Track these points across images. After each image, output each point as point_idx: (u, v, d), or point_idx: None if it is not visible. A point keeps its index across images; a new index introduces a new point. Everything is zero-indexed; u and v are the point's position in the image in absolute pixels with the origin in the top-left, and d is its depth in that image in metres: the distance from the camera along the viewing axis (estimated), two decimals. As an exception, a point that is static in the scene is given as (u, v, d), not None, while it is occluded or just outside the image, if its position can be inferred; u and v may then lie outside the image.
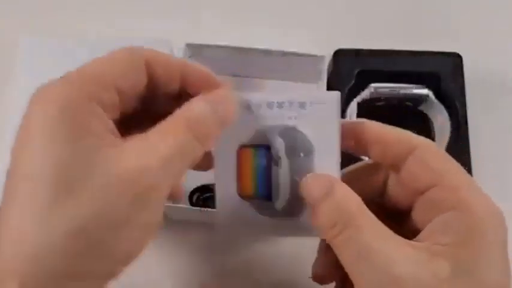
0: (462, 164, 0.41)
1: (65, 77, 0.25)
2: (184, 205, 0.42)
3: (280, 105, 0.29)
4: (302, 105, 0.29)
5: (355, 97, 0.44)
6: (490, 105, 0.49)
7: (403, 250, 0.23)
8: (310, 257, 0.31)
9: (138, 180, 0.22)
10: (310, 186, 0.26)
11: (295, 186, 0.29)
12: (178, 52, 0.45)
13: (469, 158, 0.42)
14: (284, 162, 0.30)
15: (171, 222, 0.44)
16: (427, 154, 0.26)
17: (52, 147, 0.22)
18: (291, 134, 0.29)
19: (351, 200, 0.25)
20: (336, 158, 0.28)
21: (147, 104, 0.27)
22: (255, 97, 0.29)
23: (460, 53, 0.45)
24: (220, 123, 0.25)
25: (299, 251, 0.43)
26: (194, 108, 0.25)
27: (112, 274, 0.23)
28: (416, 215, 0.27)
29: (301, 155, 0.29)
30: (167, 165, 0.23)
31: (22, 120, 0.24)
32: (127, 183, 0.22)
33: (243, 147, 0.30)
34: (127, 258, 0.23)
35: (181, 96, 0.27)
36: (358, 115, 0.43)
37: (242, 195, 0.30)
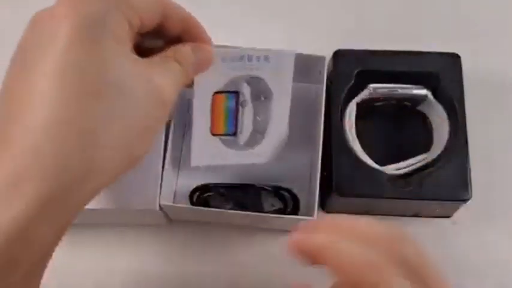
0: (460, 164, 0.42)
1: None
2: (185, 205, 0.42)
3: (249, 58, 0.37)
4: (266, 58, 0.37)
5: (354, 97, 0.44)
6: (489, 105, 0.49)
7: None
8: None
9: (154, 87, 0.28)
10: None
11: (256, 123, 0.39)
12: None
13: (468, 158, 0.42)
14: (249, 105, 0.38)
15: (171, 222, 0.44)
16: None
17: (76, 47, 0.25)
18: (255, 82, 0.38)
19: None
20: (288, 102, 0.38)
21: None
22: (229, 51, 0.36)
23: (459, 53, 0.45)
24: (198, 65, 0.33)
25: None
26: (181, 49, 0.31)
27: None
28: None
29: (262, 98, 0.38)
30: (177, 89, 0.30)
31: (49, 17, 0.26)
32: (142, 83, 0.27)
33: (217, 93, 0.37)
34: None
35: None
36: (357, 115, 0.43)
37: (214, 133, 0.38)
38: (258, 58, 0.37)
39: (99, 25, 0.25)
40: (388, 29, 0.51)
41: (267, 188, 0.43)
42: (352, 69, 0.44)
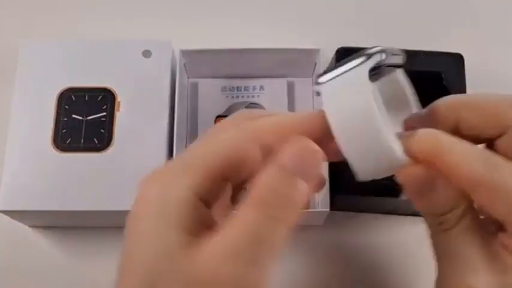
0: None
1: (176, 163, 0.24)
2: None
3: (246, 88, 0.45)
4: (262, 87, 0.45)
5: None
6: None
7: (486, 258, 0.23)
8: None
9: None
10: (412, 180, 0.24)
11: None
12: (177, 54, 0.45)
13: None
14: None
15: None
16: (486, 195, 0.22)
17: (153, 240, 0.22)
18: (254, 107, 0.44)
19: (453, 195, 0.24)
20: None
21: None
22: (228, 82, 0.39)
23: (462, 53, 0.45)
24: (301, 179, 0.21)
25: (300, 253, 0.43)
26: (261, 179, 0.21)
27: None
28: None
29: None
30: (239, 265, 0.20)
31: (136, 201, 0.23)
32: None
33: (219, 117, 0.43)
34: None
35: None
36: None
37: None
38: (254, 87, 0.45)
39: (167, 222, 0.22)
40: (391, 28, 0.51)
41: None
42: (355, 67, 0.44)
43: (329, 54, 0.45)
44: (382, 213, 0.45)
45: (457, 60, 0.44)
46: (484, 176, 0.22)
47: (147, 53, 0.44)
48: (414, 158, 0.23)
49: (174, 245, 0.21)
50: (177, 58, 0.44)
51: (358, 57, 0.24)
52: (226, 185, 0.24)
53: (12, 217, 0.41)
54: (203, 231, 0.22)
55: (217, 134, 0.24)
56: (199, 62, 0.45)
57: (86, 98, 0.42)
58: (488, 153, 0.23)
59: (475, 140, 0.25)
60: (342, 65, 0.24)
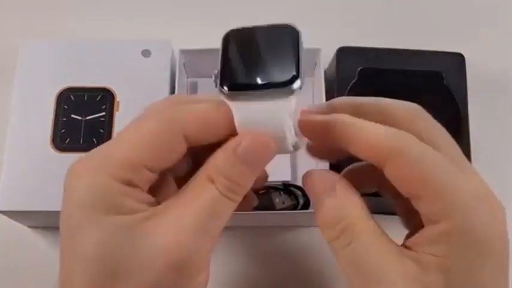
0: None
1: (95, 158, 0.24)
2: None
3: None
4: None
5: (357, 94, 0.44)
6: (492, 104, 0.49)
7: (397, 265, 0.22)
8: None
9: (174, 259, 0.22)
10: (313, 182, 0.25)
11: None
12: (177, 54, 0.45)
13: (470, 157, 0.42)
14: None
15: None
16: (404, 161, 0.23)
17: (90, 226, 0.23)
18: None
19: (352, 202, 0.24)
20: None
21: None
22: None
23: (463, 53, 0.45)
24: (249, 167, 0.24)
25: (299, 257, 0.43)
26: (213, 160, 0.24)
27: None
28: (410, 214, 0.25)
29: None
30: (199, 235, 0.23)
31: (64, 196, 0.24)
32: (161, 262, 0.22)
33: None
34: None
35: None
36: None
37: None
38: None
39: (100, 209, 0.23)
40: (392, 28, 0.51)
41: (276, 186, 0.43)
42: (356, 66, 0.44)
43: (330, 54, 0.45)
44: (381, 213, 0.44)
45: (457, 60, 0.44)
46: (404, 147, 0.23)
47: (146, 53, 0.43)
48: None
49: (118, 229, 0.23)
50: (177, 58, 0.44)
51: (278, 88, 0.23)
52: (155, 172, 0.25)
53: (11, 217, 0.41)
54: (142, 209, 0.23)
55: (143, 122, 0.24)
56: (199, 61, 0.45)
57: (85, 98, 0.42)
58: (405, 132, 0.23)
59: None
60: (256, 87, 0.23)
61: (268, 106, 0.23)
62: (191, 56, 0.44)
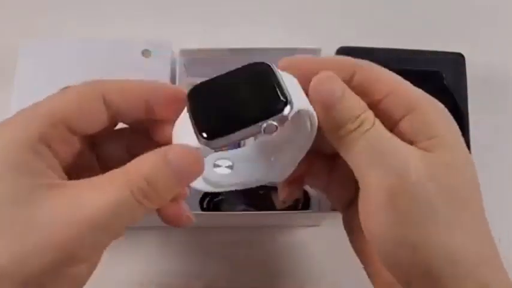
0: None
1: (18, 114, 0.24)
2: (197, 211, 0.42)
3: None
4: None
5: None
6: (492, 104, 0.49)
7: (407, 146, 0.25)
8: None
9: (60, 248, 0.21)
10: (326, 86, 0.25)
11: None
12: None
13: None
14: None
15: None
16: (369, 73, 0.27)
17: None
18: None
19: (361, 101, 0.26)
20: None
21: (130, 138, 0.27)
22: None
23: (463, 53, 0.45)
24: (175, 177, 0.23)
25: (299, 257, 0.43)
26: (140, 159, 0.23)
27: None
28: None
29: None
30: (93, 233, 0.22)
31: None
32: (47, 243, 0.21)
33: None
34: None
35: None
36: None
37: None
38: None
39: (7, 165, 0.22)
40: (391, 27, 0.51)
41: (277, 186, 0.43)
42: (355, 67, 0.44)
43: (329, 54, 0.45)
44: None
45: (457, 59, 0.44)
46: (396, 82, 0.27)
47: (147, 53, 0.44)
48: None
49: (17, 188, 0.22)
50: (177, 58, 0.44)
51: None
52: (76, 137, 0.25)
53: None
54: (48, 176, 0.23)
55: (66, 90, 0.25)
56: (199, 62, 0.45)
57: (86, 98, 0.42)
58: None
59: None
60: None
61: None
62: (191, 56, 0.44)
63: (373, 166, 0.24)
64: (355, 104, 0.25)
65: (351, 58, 0.28)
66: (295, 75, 0.26)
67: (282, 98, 0.23)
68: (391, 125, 0.26)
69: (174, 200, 0.26)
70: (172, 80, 0.43)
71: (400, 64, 0.44)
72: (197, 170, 0.24)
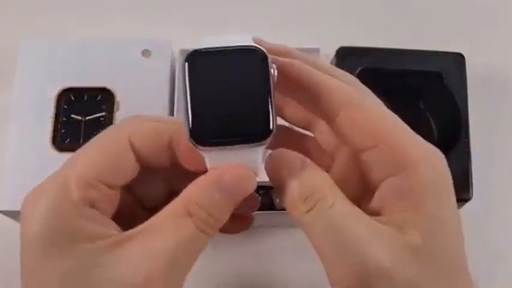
0: (462, 164, 0.42)
1: (49, 181, 0.24)
2: None
3: None
4: None
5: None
6: (492, 104, 0.49)
7: (374, 229, 0.22)
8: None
9: None
10: (278, 164, 0.23)
11: None
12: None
13: (469, 158, 0.42)
14: None
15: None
16: (356, 112, 0.23)
17: (50, 260, 0.22)
18: None
19: (322, 175, 0.23)
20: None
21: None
22: None
23: (463, 53, 0.45)
24: (230, 201, 0.23)
25: (299, 256, 0.43)
26: (192, 191, 0.23)
27: None
28: (363, 168, 0.25)
29: None
30: (171, 271, 0.22)
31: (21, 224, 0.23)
32: None
33: None
34: None
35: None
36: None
37: None
38: None
39: (60, 237, 0.22)
40: (390, 28, 0.51)
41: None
42: (355, 67, 0.44)
43: (330, 54, 0.45)
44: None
45: (457, 60, 0.44)
46: (357, 98, 0.23)
47: (146, 53, 0.44)
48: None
49: (79, 262, 0.22)
50: (177, 58, 0.44)
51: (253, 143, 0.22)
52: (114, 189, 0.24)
53: (12, 217, 0.41)
54: (105, 235, 0.22)
55: (93, 140, 0.24)
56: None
57: (85, 98, 0.42)
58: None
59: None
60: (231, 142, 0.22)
61: (241, 152, 0.22)
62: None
63: (333, 253, 0.22)
64: (308, 184, 0.23)
65: (342, 85, 0.24)
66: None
67: (270, 126, 0.22)
68: (374, 180, 0.23)
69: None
70: (172, 80, 0.44)
71: (400, 64, 0.44)
72: (249, 185, 0.23)
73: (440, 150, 0.24)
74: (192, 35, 0.49)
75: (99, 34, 0.50)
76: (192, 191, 0.23)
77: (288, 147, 0.24)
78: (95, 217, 0.23)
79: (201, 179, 0.23)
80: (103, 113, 0.42)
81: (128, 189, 0.26)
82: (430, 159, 0.23)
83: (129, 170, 0.24)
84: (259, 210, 0.40)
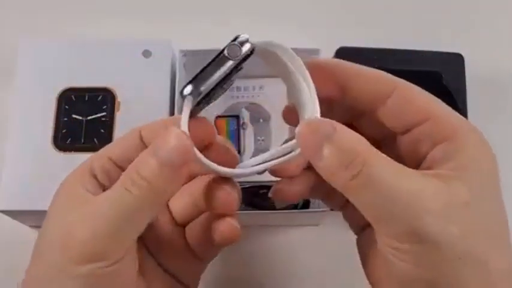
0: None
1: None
2: None
3: (246, 88, 0.44)
4: (261, 87, 0.44)
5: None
6: (491, 104, 0.49)
7: (424, 183, 0.22)
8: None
9: (89, 251, 0.23)
10: (309, 132, 0.23)
11: (257, 143, 0.42)
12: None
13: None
14: (249, 127, 0.43)
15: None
16: (410, 92, 0.26)
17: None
18: (253, 107, 0.43)
19: (355, 137, 0.23)
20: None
21: None
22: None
23: (462, 53, 0.45)
24: (164, 167, 0.23)
25: (299, 256, 0.43)
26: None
27: None
28: (405, 150, 0.26)
29: (261, 121, 0.43)
30: (114, 229, 0.23)
31: None
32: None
33: (218, 117, 0.43)
34: None
35: None
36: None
37: None
38: (254, 87, 0.44)
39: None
40: (390, 28, 0.51)
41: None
42: (355, 67, 0.44)
43: (329, 54, 0.45)
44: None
45: (457, 60, 0.44)
46: (403, 81, 0.27)
47: (147, 53, 0.44)
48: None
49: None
50: (177, 58, 0.44)
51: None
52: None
53: (13, 217, 0.41)
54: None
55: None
56: (199, 62, 0.45)
57: (86, 98, 0.42)
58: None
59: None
60: None
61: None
62: (191, 56, 0.44)
63: (383, 219, 0.22)
64: (347, 149, 0.22)
65: (389, 74, 0.26)
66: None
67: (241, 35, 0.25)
68: (421, 154, 0.25)
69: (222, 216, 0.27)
70: (172, 80, 0.44)
71: (399, 64, 0.44)
72: (186, 151, 0.24)
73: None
74: (192, 35, 0.50)
75: (100, 34, 0.50)
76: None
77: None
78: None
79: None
80: (104, 113, 0.42)
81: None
82: (473, 128, 0.25)
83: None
84: (259, 210, 0.40)
